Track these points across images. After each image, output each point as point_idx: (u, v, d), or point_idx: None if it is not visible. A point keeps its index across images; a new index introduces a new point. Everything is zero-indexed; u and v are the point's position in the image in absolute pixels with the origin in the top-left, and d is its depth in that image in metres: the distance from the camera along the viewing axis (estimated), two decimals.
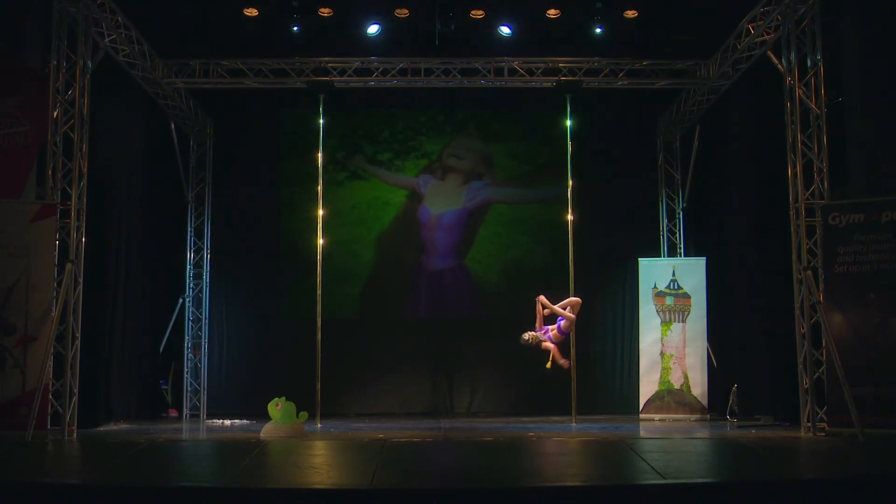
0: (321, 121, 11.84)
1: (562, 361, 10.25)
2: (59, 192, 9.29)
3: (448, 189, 13.52)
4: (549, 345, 10.21)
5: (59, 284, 9.02)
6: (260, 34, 11.69)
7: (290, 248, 12.99)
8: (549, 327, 10.29)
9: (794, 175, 9.35)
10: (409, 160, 13.53)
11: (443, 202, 13.48)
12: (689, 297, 11.84)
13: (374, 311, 13.08)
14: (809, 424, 8.98)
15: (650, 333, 11.94)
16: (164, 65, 11.61)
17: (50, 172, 9.28)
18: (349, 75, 11.87)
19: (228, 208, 13.29)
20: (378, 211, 13.43)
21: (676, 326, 11.84)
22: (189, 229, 13.10)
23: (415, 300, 13.23)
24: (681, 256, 12.99)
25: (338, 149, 13.05)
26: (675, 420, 11.58)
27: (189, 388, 12.73)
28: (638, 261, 12.24)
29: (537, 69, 11.87)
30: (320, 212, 11.73)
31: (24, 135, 9.85)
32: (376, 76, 11.93)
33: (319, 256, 11.58)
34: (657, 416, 11.71)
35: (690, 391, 11.70)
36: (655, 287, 11.95)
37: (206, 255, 13.11)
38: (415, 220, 13.42)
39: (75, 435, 9.03)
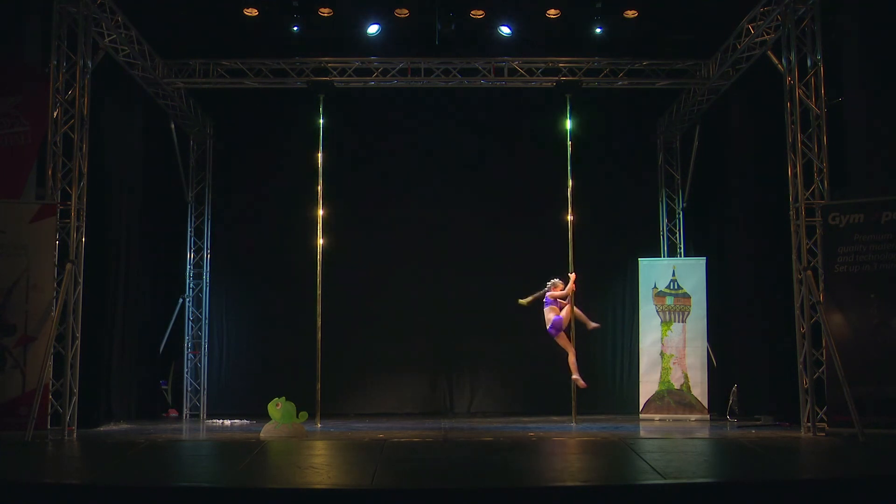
0: (321, 121, 11.85)
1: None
2: (59, 192, 9.29)
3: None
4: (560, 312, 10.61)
5: (59, 284, 9.02)
6: (260, 34, 11.70)
7: (289, 247, 12.97)
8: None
9: (794, 175, 9.35)
10: None
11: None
12: (689, 297, 11.84)
13: (375, 311, 13.06)
14: (809, 424, 8.98)
15: (650, 333, 11.94)
16: (164, 65, 11.62)
17: (50, 172, 9.29)
18: (349, 75, 11.87)
19: (228, 208, 13.30)
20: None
21: (676, 326, 11.84)
22: (189, 229, 13.11)
23: (416, 302, 13.15)
24: (681, 256, 12.99)
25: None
26: (675, 420, 11.58)
27: (189, 388, 12.74)
28: (638, 261, 12.24)
29: (537, 69, 11.87)
30: (320, 212, 11.73)
31: (24, 135, 9.84)
32: (376, 76, 11.93)
33: (319, 256, 11.59)
34: (657, 416, 11.71)
35: (690, 391, 11.70)
36: (655, 287, 11.95)
37: (206, 255, 13.12)
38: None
39: (75, 435, 9.03)
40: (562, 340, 10.67)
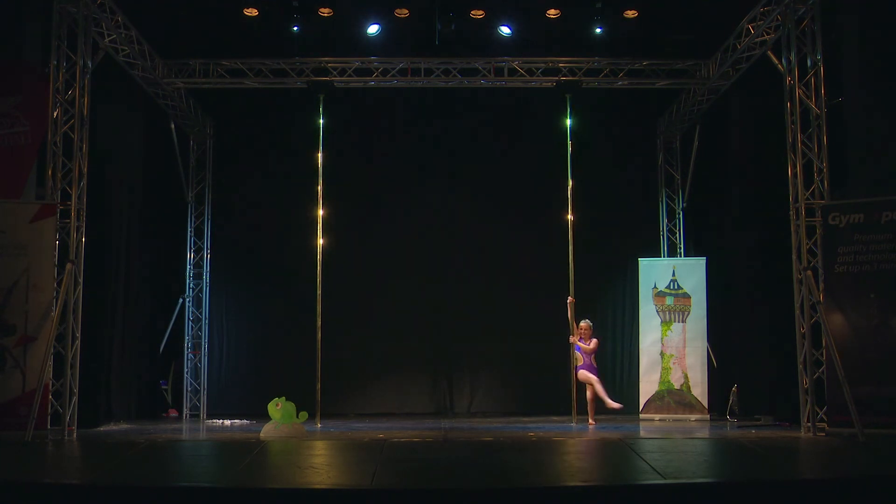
0: (321, 121, 11.85)
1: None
2: (59, 192, 9.29)
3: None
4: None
5: (59, 284, 9.02)
6: (260, 34, 11.69)
7: (289, 247, 12.96)
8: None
9: (794, 175, 9.35)
10: None
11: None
12: (689, 297, 11.84)
13: (375, 311, 13.05)
14: (809, 424, 8.98)
15: (650, 333, 11.94)
16: (164, 65, 11.62)
17: (50, 172, 9.28)
18: (349, 75, 11.87)
19: (228, 208, 13.30)
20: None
21: (676, 326, 11.83)
22: (189, 229, 13.11)
23: (417, 302, 13.14)
24: (681, 256, 12.99)
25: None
26: (675, 420, 11.57)
27: (189, 388, 12.73)
28: (638, 261, 12.24)
29: (537, 69, 11.87)
30: (320, 212, 11.73)
31: (24, 135, 9.84)
32: (376, 76, 11.93)
33: (319, 256, 11.58)
34: (657, 416, 11.70)
35: (690, 391, 11.70)
36: (655, 287, 11.95)
37: (206, 255, 13.12)
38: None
39: (75, 435, 9.03)
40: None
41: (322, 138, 11.82)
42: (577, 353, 11.09)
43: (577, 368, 11.10)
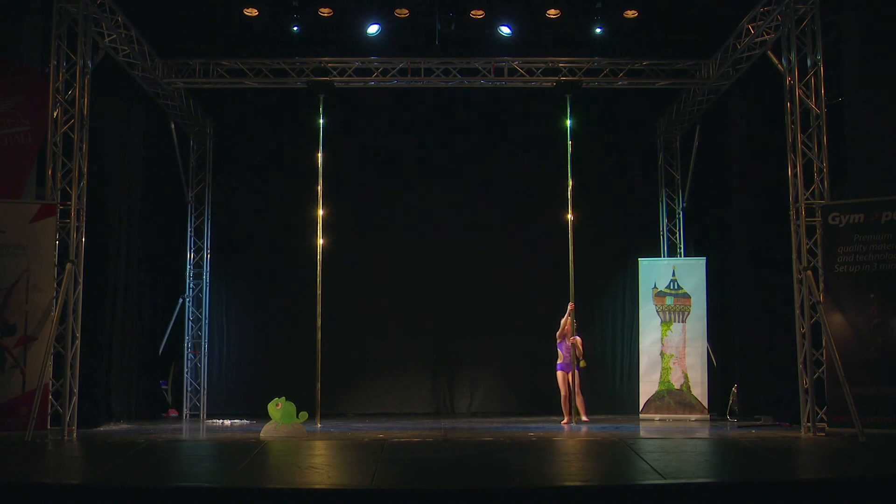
0: (321, 121, 11.85)
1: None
2: (59, 192, 9.29)
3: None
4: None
5: (59, 284, 9.02)
6: (260, 34, 11.70)
7: (289, 247, 12.96)
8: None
9: (794, 175, 9.36)
10: None
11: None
12: (689, 297, 11.84)
13: (375, 311, 13.05)
14: (809, 424, 8.98)
15: (650, 333, 11.94)
16: (164, 65, 11.63)
17: (50, 172, 9.29)
18: (349, 75, 11.87)
19: (228, 208, 13.29)
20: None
21: (676, 326, 11.83)
22: (189, 229, 13.11)
23: (417, 301, 13.15)
24: (681, 256, 12.99)
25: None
26: (675, 420, 11.57)
27: (189, 388, 12.74)
28: (638, 261, 12.24)
29: (537, 69, 11.87)
30: (320, 211, 11.73)
31: (24, 135, 9.86)
32: (376, 76, 11.93)
33: (319, 256, 11.58)
34: (657, 416, 11.70)
35: (690, 391, 11.70)
36: (655, 287, 11.95)
37: (206, 255, 13.12)
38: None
39: (75, 435, 9.03)
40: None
41: (322, 138, 11.82)
42: (560, 351, 11.07)
43: (558, 366, 11.09)
